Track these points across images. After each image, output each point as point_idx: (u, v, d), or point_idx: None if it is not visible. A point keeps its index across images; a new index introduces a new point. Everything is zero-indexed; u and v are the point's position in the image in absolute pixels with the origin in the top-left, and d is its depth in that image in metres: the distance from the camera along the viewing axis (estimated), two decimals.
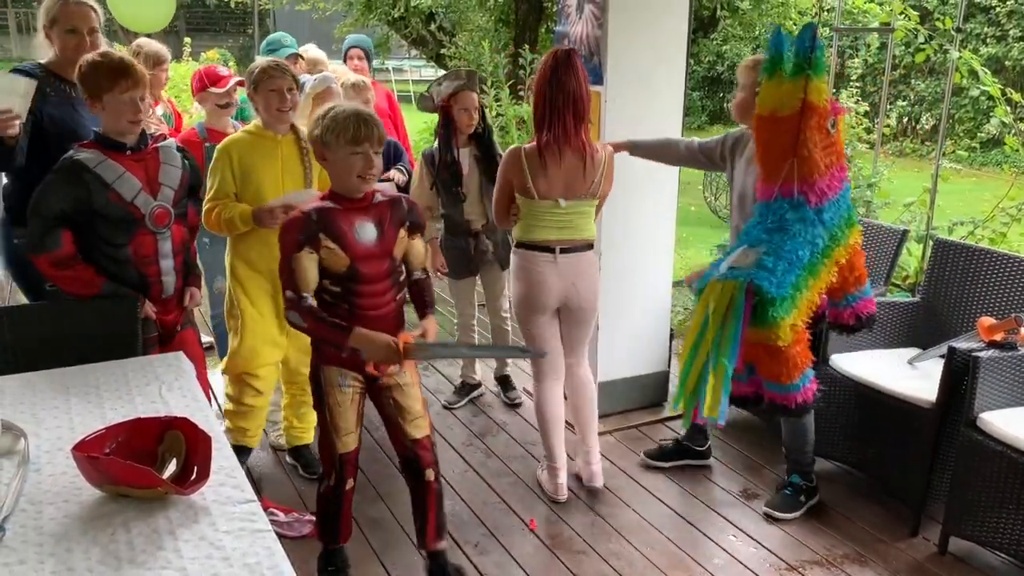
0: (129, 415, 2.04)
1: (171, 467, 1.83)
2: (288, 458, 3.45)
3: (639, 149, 3.43)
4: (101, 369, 2.37)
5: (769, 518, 3.16)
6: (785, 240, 2.44)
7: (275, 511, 2.99)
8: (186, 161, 2.80)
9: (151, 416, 1.98)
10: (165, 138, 2.81)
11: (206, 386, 3.02)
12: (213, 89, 3.62)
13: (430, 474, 2.58)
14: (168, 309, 2.80)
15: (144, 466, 1.72)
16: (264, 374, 3.15)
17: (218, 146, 3.05)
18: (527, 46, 8.44)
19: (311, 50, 4.82)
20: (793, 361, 2.54)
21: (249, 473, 3.24)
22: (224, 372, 3.20)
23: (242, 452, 3.24)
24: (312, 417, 3.35)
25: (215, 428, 2.00)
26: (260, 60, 3.06)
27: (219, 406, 3.35)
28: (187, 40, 10.66)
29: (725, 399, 2.40)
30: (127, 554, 1.55)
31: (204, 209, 2.97)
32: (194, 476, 1.79)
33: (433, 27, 9.46)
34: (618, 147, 3.30)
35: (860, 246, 2.62)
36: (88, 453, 1.71)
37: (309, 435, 3.41)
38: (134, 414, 2.05)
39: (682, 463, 3.51)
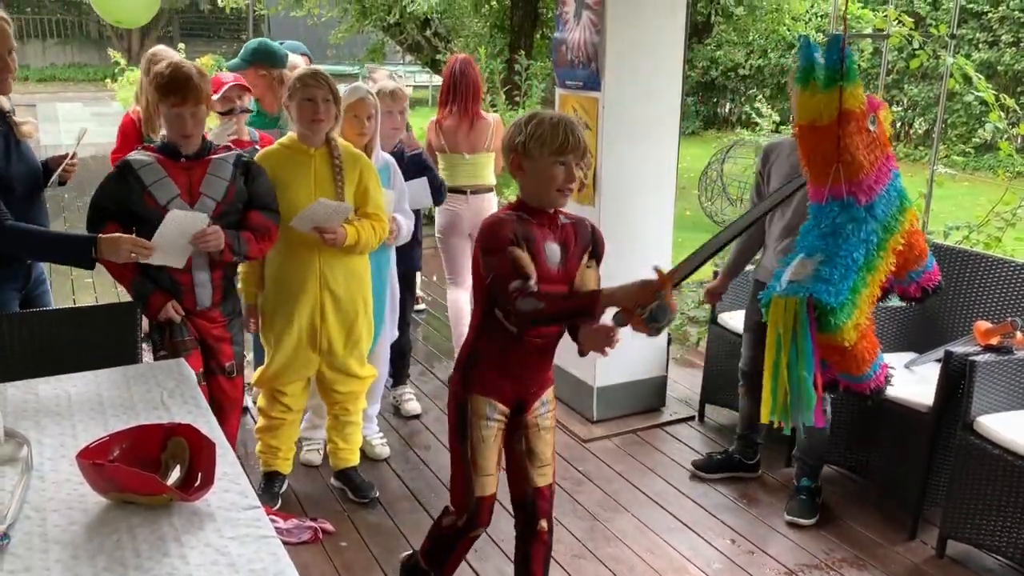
0: (131, 422, 2.04)
1: (175, 473, 1.83)
2: (334, 481, 3.34)
3: (733, 271, 3.58)
4: (103, 376, 2.37)
5: (793, 526, 3.17)
6: (840, 244, 2.52)
7: (275, 517, 2.99)
8: (241, 176, 2.76)
9: (155, 423, 1.98)
10: (230, 149, 2.80)
11: (236, 423, 3.04)
12: (214, 96, 3.47)
13: (544, 524, 2.36)
14: (212, 321, 2.81)
15: (149, 473, 1.73)
16: (291, 391, 3.10)
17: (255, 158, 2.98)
18: (523, 52, 8.48)
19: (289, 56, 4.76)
20: (861, 356, 2.63)
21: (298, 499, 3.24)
22: (255, 383, 3.19)
23: (274, 479, 3.21)
24: (358, 437, 3.29)
25: (218, 435, 2.00)
26: (300, 68, 2.99)
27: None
28: (181, 46, 10.65)
29: (812, 404, 2.49)
30: (133, 561, 1.55)
31: None
32: (198, 482, 1.79)
33: (428, 33, 9.46)
34: (718, 289, 3.61)
35: (916, 225, 2.62)
36: (93, 460, 1.71)
37: (356, 456, 3.30)
38: (136, 421, 2.05)
39: (731, 475, 3.51)
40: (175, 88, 2.61)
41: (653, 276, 1.99)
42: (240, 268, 3.00)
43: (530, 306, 2.02)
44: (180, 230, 2.59)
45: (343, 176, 2.94)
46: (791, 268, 2.60)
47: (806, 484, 3.26)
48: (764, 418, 2.51)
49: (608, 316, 2.07)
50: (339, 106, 2.94)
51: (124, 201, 2.65)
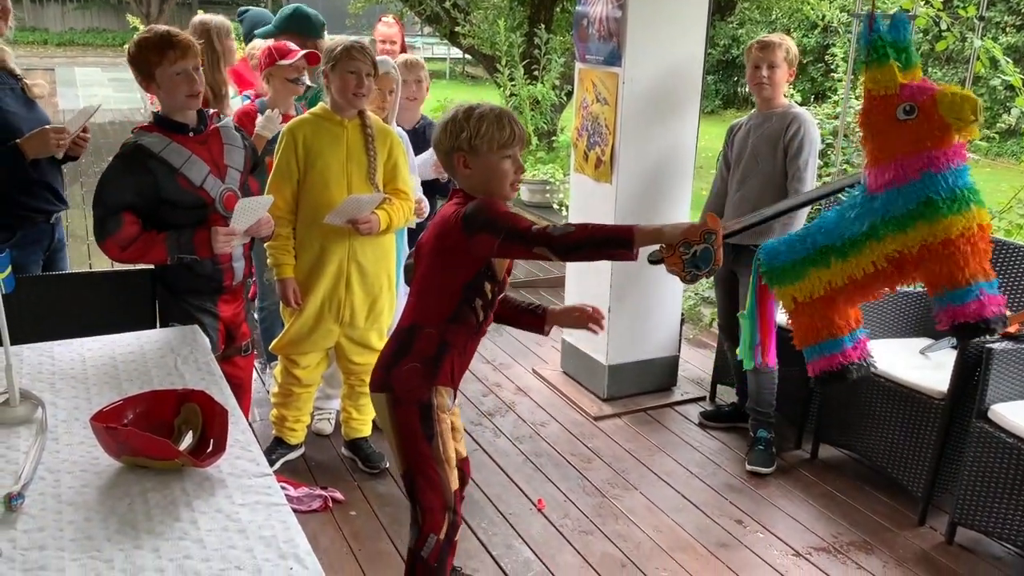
0: (145, 387, 2.05)
1: (187, 439, 1.84)
2: (345, 451, 3.36)
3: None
4: (118, 340, 2.38)
5: (755, 475, 3.37)
6: (820, 220, 2.66)
7: (286, 485, 3.02)
8: (246, 141, 2.72)
9: (168, 388, 1.99)
10: (220, 116, 2.69)
11: (249, 398, 3.03)
12: (282, 62, 3.34)
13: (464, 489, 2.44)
14: (237, 296, 2.77)
15: (162, 438, 1.74)
16: (306, 362, 3.12)
17: (283, 127, 2.98)
18: (542, 25, 8.38)
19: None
20: (798, 329, 2.72)
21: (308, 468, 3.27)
22: (272, 349, 3.21)
23: (280, 445, 3.25)
24: (371, 408, 3.30)
25: (231, 402, 2.01)
26: (341, 38, 2.93)
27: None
28: (200, 11, 10.62)
29: (746, 343, 2.79)
30: (145, 524, 1.57)
31: (267, 192, 2.89)
32: (210, 448, 1.80)
33: (448, 4, 9.36)
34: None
35: (963, 243, 2.41)
36: (107, 424, 1.72)
37: (367, 428, 3.32)
38: (150, 386, 2.07)
39: (735, 424, 3.73)
40: (170, 42, 2.44)
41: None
42: (268, 242, 2.94)
43: (561, 231, 1.91)
44: (253, 214, 2.59)
45: (375, 148, 2.95)
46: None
47: (763, 435, 3.46)
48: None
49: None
50: (377, 81, 2.98)
51: (148, 188, 2.47)
